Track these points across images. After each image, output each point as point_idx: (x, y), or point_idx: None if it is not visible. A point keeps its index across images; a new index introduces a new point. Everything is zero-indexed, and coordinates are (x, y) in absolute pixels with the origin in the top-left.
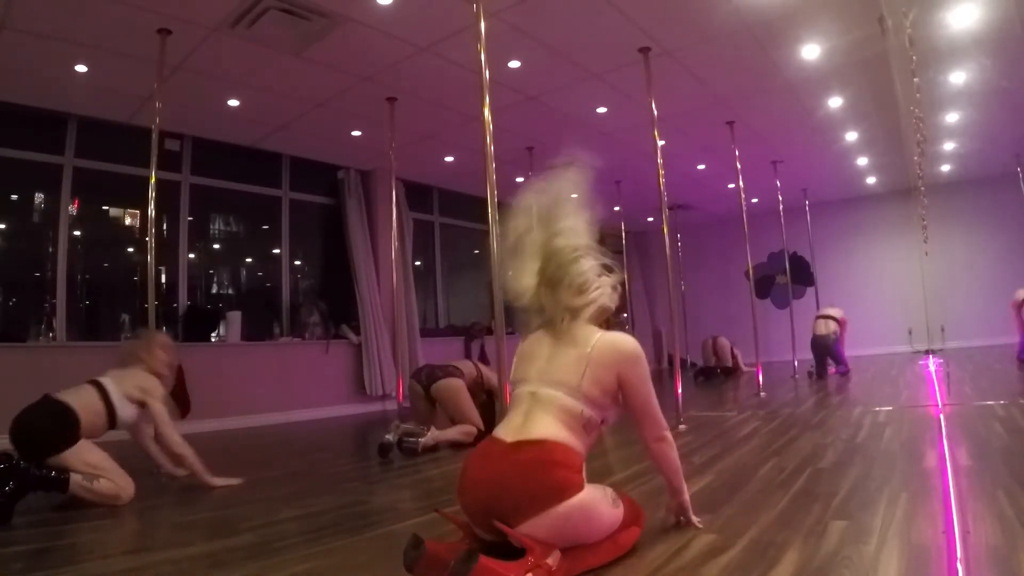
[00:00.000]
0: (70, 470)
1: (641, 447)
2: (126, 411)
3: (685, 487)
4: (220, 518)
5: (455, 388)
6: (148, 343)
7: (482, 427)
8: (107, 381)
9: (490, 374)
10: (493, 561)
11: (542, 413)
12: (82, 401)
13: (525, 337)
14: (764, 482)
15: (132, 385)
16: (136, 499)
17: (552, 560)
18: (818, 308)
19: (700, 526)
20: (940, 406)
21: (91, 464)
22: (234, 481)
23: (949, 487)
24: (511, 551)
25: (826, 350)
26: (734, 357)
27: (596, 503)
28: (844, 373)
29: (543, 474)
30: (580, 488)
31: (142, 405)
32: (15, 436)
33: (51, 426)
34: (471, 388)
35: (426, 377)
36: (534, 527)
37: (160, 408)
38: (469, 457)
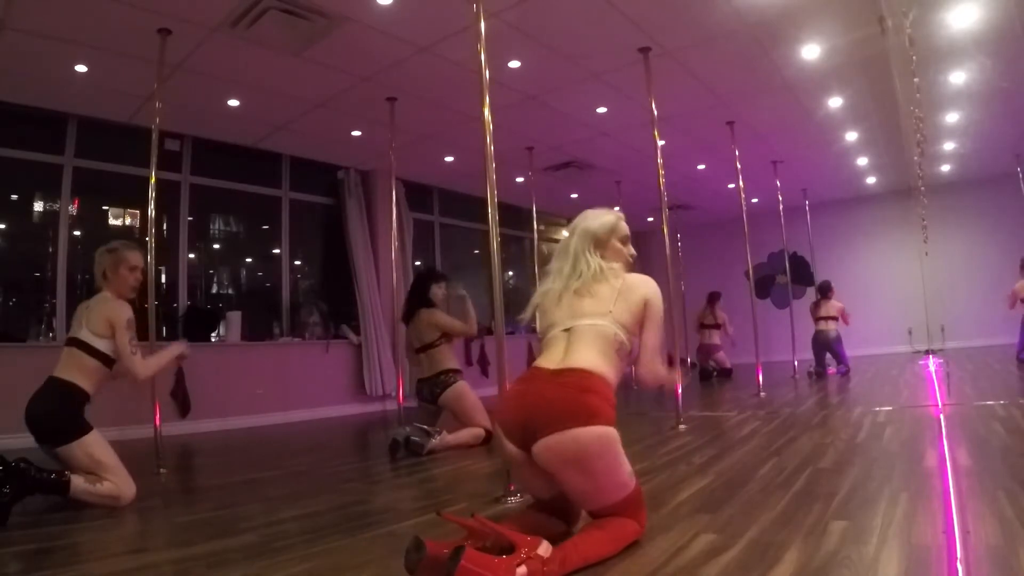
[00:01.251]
0: (74, 463)
1: (641, 447)
2: (114, 351)
3: (664, 378)
4: (220, 518)
5: (458, 393)
6: (115, 262)
7: (489, 427)
8: (83, 332)
9: (434, 318)
10: (477, 554)
11: (580, 344)
12: (79, 369)
13: (541, 293)
14: (764, 482)
15: (101, 321)
16: (136, 499)
17: (543, 551)
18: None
19: (677, 379)
20: (940, 406)
21: (96, 460)
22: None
23: (949, 487)
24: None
25: (827, 345)
26: (723, 326)
27: (619, 449)
28: (844, 373)
29: (579, 396)
30: (609, 422)
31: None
32: (29, 423)
33: (59, 411)
34: (444, 338)
35: (429, 394)
36: (557, 443)
37: (123, 340)
38: (515, 381)
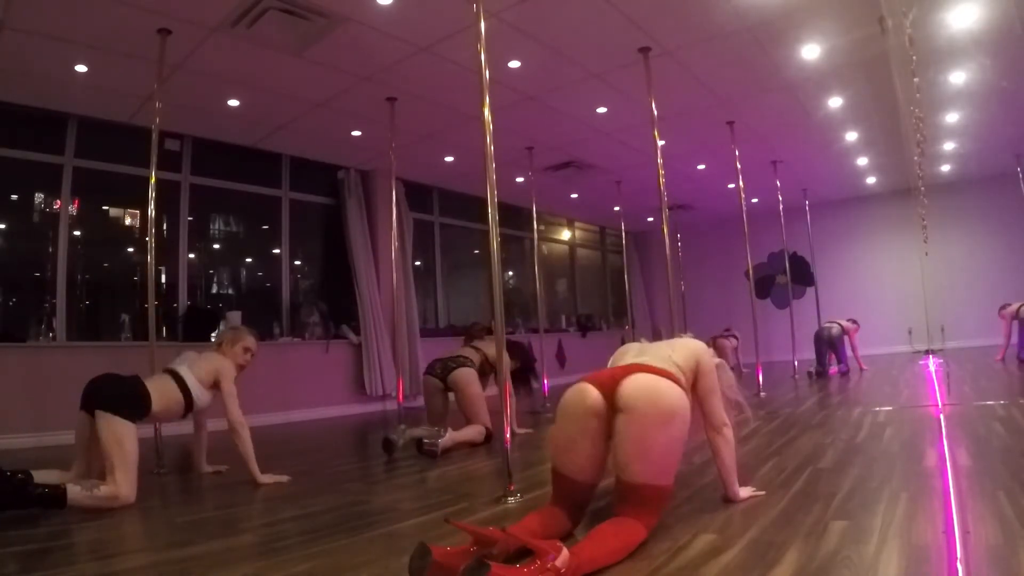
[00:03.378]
0: (100, 436)
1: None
2: (202, 397)
3: (732, 479)
4: (220, 518)
5: (468, 378)
6: (234, 338)
7: (491, 426)
8: (183, 369)
9: (488, 347)
10: (504, 568)
11: (650, 357)
12: (160, 391)
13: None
14: (764, 482)
15: (205, 369)
16: (137, 499)
17: (560, 561)
18: (818, 309)
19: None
20: (940, 406)
21: (120, 443)
22: (283, 478)
23: (949, 487)
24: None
25: (829, 343)
26: (735, 356)
27: (686, 431)
28: (844, 372)
29: (668, 373)
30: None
31: (215, 387)
32: (90, 384)
33: (121, 393)
34: (480, 372)
35: (441, 370)
36: (655, 378)
37: (230, 386)
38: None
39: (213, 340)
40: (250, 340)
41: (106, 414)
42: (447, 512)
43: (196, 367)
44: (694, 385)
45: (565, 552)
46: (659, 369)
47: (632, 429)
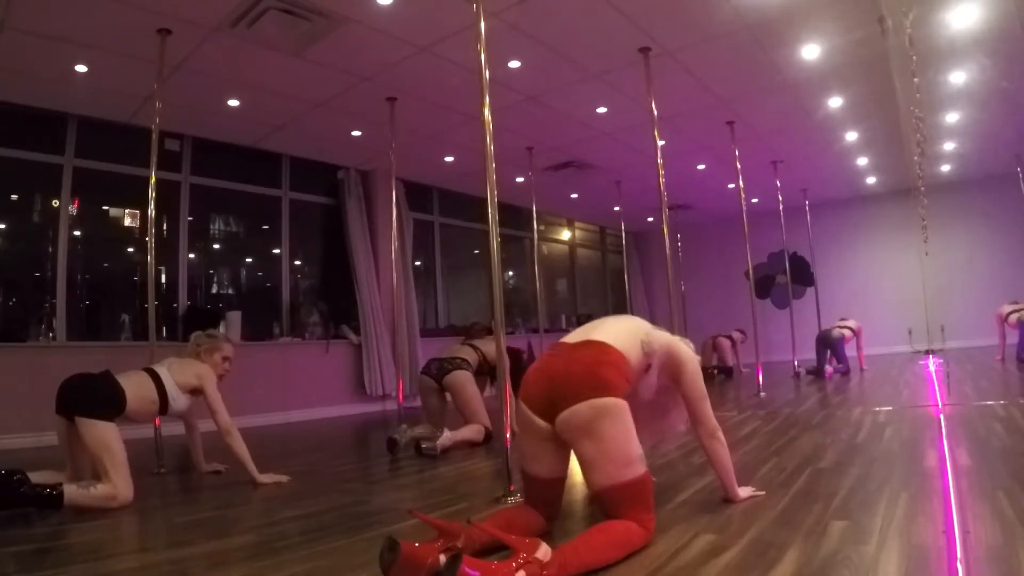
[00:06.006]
0: (85, 441)
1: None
2: (179, 401)
3: (731, 480)
4: (220, 518)
5: (464, 380)
6: (211, 347)
7: (490, 426)
8: (163, 371)
9: (488, 347)
10: (477, 562)
11: (609, 323)
12: (134, 388)
13: None
14: (764, 482)
15: (187, 374)
16: (136, 499)
17: (541, 554)
18: (818, 309)
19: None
20: (940, 406)
21: (106, 446)
22: (282, 478)
23: (949, 487)
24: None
25: (831, 345)
26: (735, 356)
27: (628, 421)
28: (844, 372)
29: (594, 369)
30: (620, 396)
31: (196, 392)
32: (62, 388)
33: (95, 395)
34: (478, 371)
35: (436, 370)
36: (573, 414)
37: (213, 391)
38: (539, 357)
39: (189, 342)
40: (228, 348)
41: (85, 420)
42: (446, 512)
43: (175, 371)
44: (676, 383)
45: (544, 546)
46: (596, 356)
47: (577, 449)
